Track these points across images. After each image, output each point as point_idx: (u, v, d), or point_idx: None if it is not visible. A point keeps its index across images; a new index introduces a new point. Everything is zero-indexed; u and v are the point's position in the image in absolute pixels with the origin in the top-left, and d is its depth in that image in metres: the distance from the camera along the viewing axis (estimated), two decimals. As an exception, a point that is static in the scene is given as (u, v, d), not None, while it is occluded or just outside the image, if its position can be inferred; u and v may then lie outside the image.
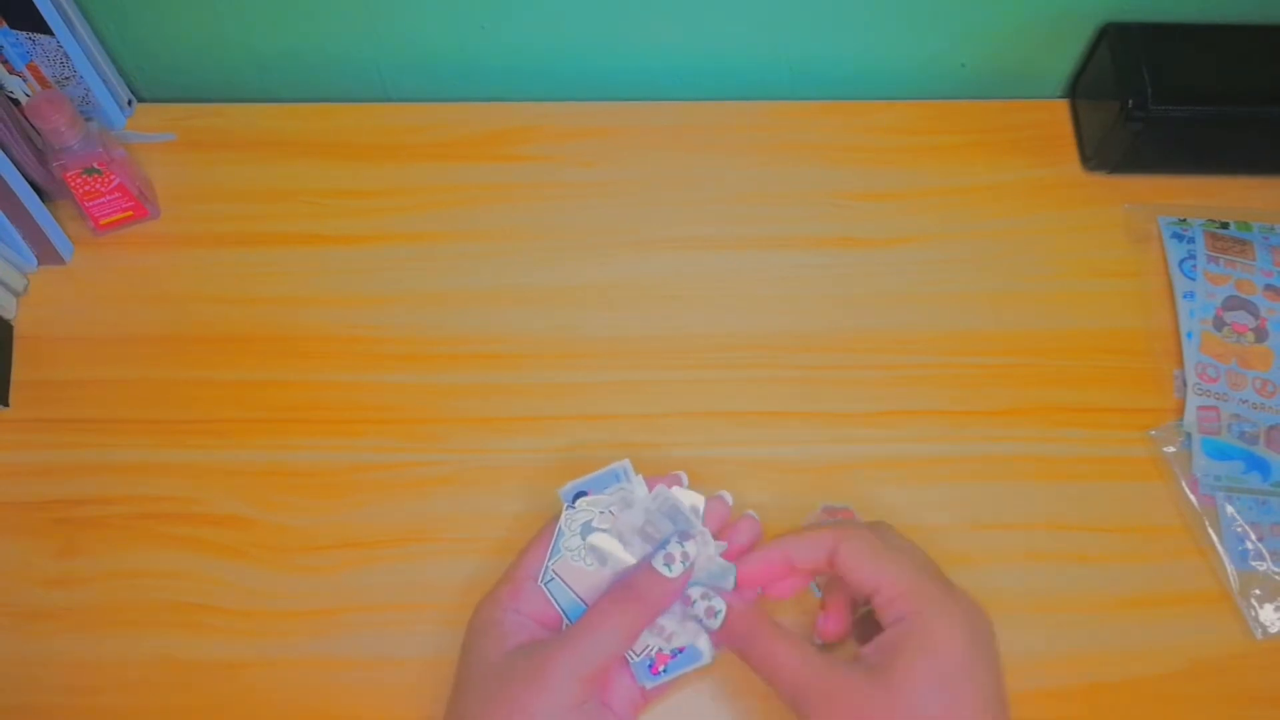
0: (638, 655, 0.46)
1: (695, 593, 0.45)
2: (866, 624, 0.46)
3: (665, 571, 0.45)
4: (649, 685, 0.46)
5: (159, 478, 0.57)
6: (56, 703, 0.51)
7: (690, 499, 0.48)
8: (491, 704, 0.42)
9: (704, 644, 0.46)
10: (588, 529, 0.47)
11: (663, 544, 0.46)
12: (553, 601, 0.46)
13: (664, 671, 0.46)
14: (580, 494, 0.48)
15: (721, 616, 0.45)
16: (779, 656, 0.43)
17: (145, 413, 0.59)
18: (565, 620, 0.46)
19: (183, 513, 0.56)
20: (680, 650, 0.46)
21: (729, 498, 0.48)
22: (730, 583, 0.46)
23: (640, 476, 0.48)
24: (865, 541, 0.44)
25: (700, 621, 0.45)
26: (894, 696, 0.40)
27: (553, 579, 0.46)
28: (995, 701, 0.41)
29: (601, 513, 0.47)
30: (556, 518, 0.48)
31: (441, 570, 0.54)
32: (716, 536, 0.47)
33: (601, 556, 0.47)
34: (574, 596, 0.46)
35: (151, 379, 0.60)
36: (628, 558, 0.47)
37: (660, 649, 0.46)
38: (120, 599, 0.54)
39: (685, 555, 0.45)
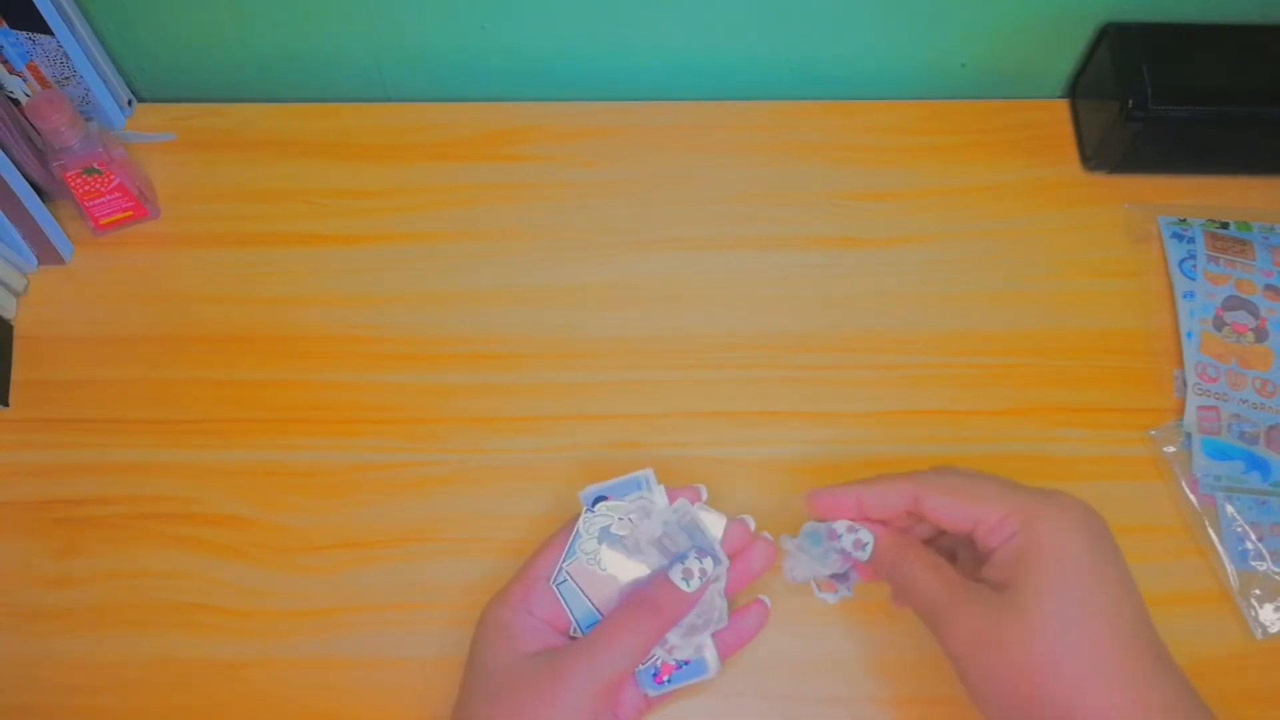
0: (643, 663, 0.46)
1: (841, 526, 0.45)
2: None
3: (683, 586, 0.45)
4: (652, 694, 0.46)
5: (159, 478, 0.57)
6: (56, 703, 0.51)
7: (712, 519, 0.48)
8: (504, 709, 0.42)
9: (710, 657, 0.46)
10: (605, 534, 0.47)
11: (681, 557, 0.45)
12: (562, 603, 0.46)
13: (668, 681, 0.46)
14: (600, 498, 0.48)
15: (870, 549, 0.44)
16: (919, 580, 0.42)
17: (145, 413, 0.59)
18: (573, 622, 0.46)
19: (183, 513, 0.56)
20: (686, 662, 0.46)
21: (752, 522, 0.48)
22: (726, 619, 0.46)
23: (662, 487, 0.48)
24: (948, 481, 0.43)
25: (848, 553, 0.45)
26: (1023, 605, 0.39)
27: (565, 580, 0.46)
28: (1126, 599, 0.39)
29: (620, 519, 0.47)
30: (574, 520, 0.48)
31: (441, 570, 0.54)
32: (732, 558, 0.47)
33: (617, 563, 0.47)
34: (585, 600, 0.46)
35: (151, 379, 0.60)
36: (643, 567, 0.47)
37: (664, 659, 0.46)
38: (120, 599, 0.54)
39: (704, 571, 0.45)
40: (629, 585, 0.47)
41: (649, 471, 0.48)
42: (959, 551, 0.46)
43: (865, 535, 0.45)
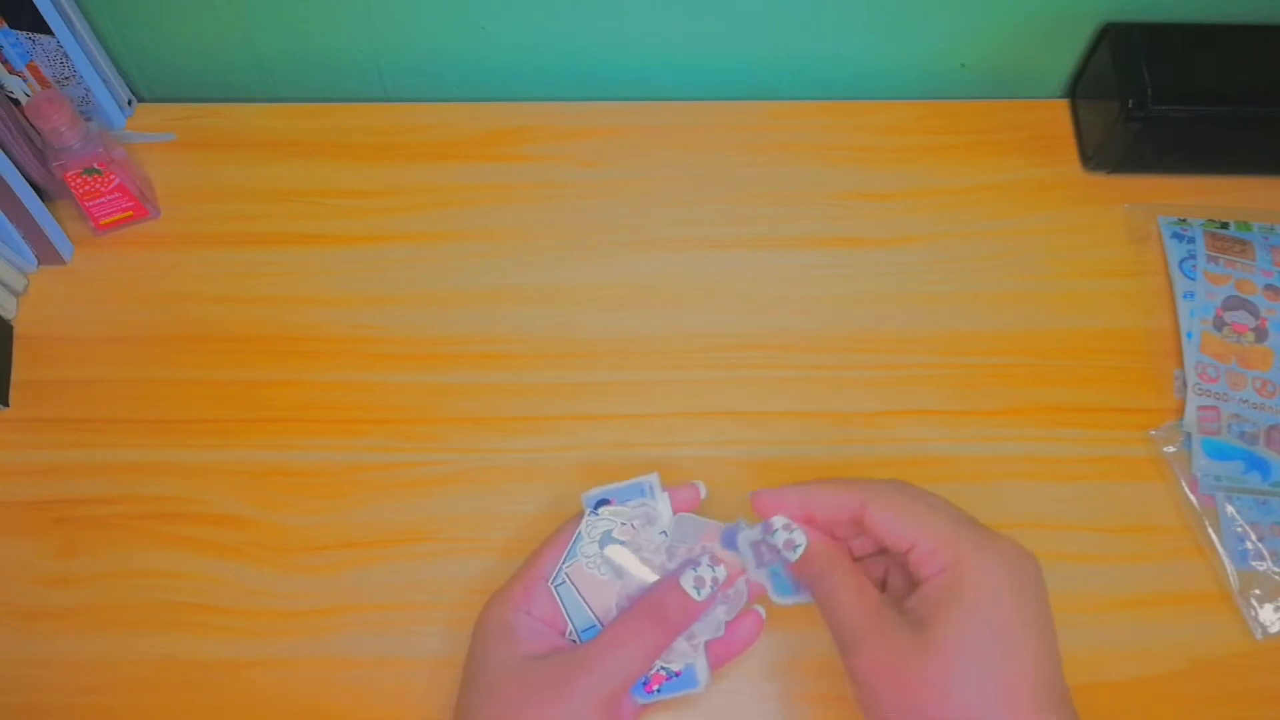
0: None
1: (778, 522, 0.44)
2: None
3: (694, 594, 0.44)
4: (640, 702, 0.46)
5: (159, 478, 0.57)
6: (56, 703, 0.51)
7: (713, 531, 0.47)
8: (509, 709, 0.42)
9: (701, 671, 0.46)
10: (607, 539, 0.47)
11: (693, 564, 0.45)
12: (559, 604, 0.46)
13: (658, 691, 0.46)
14: (603, 501, 0.48)
15: (801, 551, 0.43)
16: (841, 597, 0.42)
17: (145, 413, 0.59)
18: (569, 624, 0.46)
19: (183, 513, 0.56)
20: (678, 674, 0.46)
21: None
22: (722, 629, 0.46)
23: (666, 494, 0.48)
24: (896, 496, 0.42)
25: (778, 552, 0.44)
26: (932, 658, 0.38)
27: (564, 582, 0.46)
28: (1045, 654, 0.39)
29: (623, 524, 0.47)
30: (574, 520, 0.48)
31: (441, 570, 0.54)
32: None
33: (617, 569, 0.47)
34: (581, 603, 0.46)
35: (151, 379, 0.60)
36: (643, 574, 0.47)
37: (659, 669, 0.46)
38: (120, 599, 0.54)
39: (715, 580, 0.45)
40: (627, 591, 0.46)
41: (654, 476, 0.48)
42: (890, 576, 0.45)
43: (800, 536, 0.43)
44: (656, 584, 0.46)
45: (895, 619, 0.40)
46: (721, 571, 0.45)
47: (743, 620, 0.47)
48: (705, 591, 0.44)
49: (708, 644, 0.46)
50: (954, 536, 0.40)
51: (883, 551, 0.44)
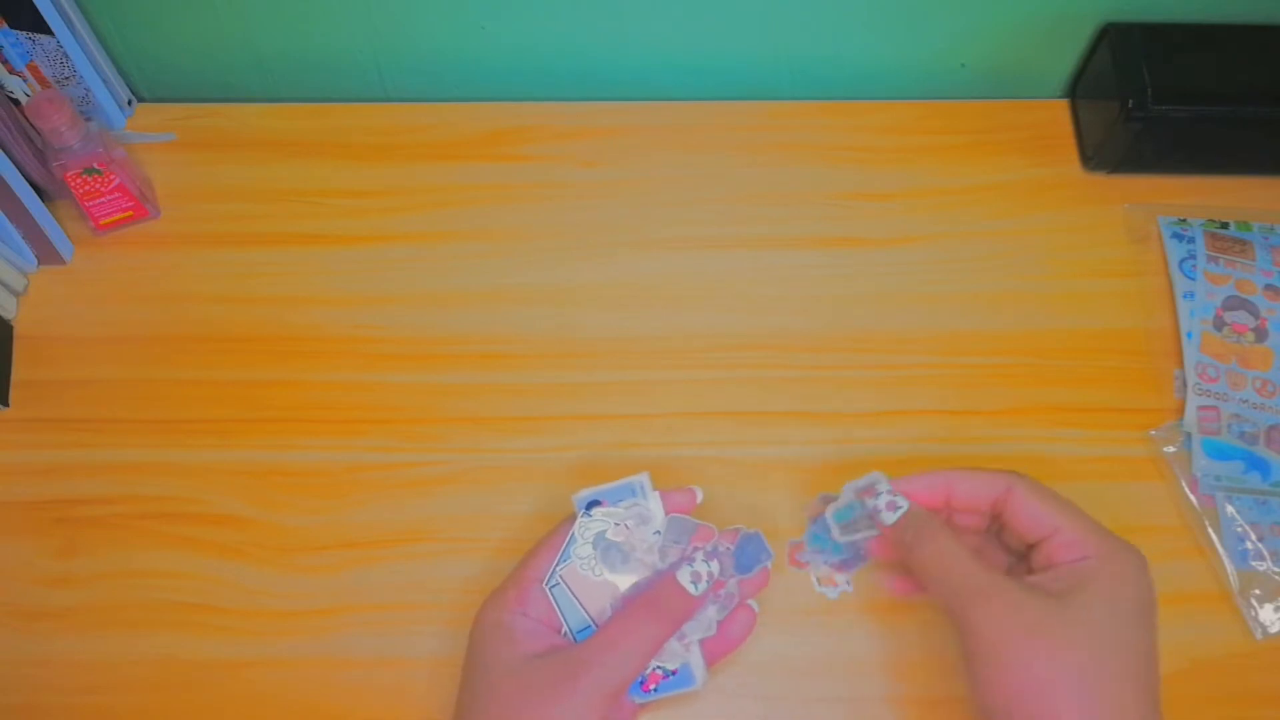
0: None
1: (882, 485, 0.46)
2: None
3: (691, 589, 0.45)
4: (637, 701, 0.46)
5: (159, 478, 0.57)
6: (56, 703, 0.51)
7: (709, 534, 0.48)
8: (511, 709, 0.42)
9: (697, 669, 0.46)
10: (600, 540, 0.47)
11: (688, 560, 0.45)
12: (554, 606, 0.46)
13: (655, 691, 0.46)
14: (594, 503, 0.48)
15: (901, 513, 0.45)
16: (954, 562, 0.43)
17: (145, 413, 0.59)
18: (564, 625, 0.46)
19: (183, 513, 0.56)
20: (674, 672, 0.46)
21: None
22: (714, 628, 0.46)
23: (657, 493, 0.48)
24: (1039, 487, 0.45)
25: (879, 514, 0.45)
26: (1075, 616, 0.40)
27: (558, 584, 0.46)
28: (1155, 659, 0.41)
29: (616, 525, 0.47)
30: (567, 522, 0.48)
31: (441, 570, 0.54)
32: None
33: (612, 569, 0.47)
34: (576, 604, 0.46)
35: (151, 379, 0.60)
36: (637, 574, 0.47)
37: (655, 668, 0.46)
38: (120, 599, 0.54)
39: (711, 575, 0.45)
40: (621, 591, 0.47)
41: (644, 476, 0.48)
42: (988, 553, 0.48)
43: (902, 500, 0.45)
44: (652, 580, 0.46)
45: (1019, 580, 0.43)
46: (715, 566, 0.45)
47: (737, 615, 0.47)
48: (702, 585, 0.45)
49: (702, 641, 0.46)
50: (1098, 532, 0.44)
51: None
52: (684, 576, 0.45)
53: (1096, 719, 0.39)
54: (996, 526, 0.47)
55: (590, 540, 0.47)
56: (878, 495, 0.46)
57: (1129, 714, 0.40)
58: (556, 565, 0.46)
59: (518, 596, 0.46)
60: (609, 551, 0.47)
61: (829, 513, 0.48)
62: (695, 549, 0.47)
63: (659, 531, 0.47)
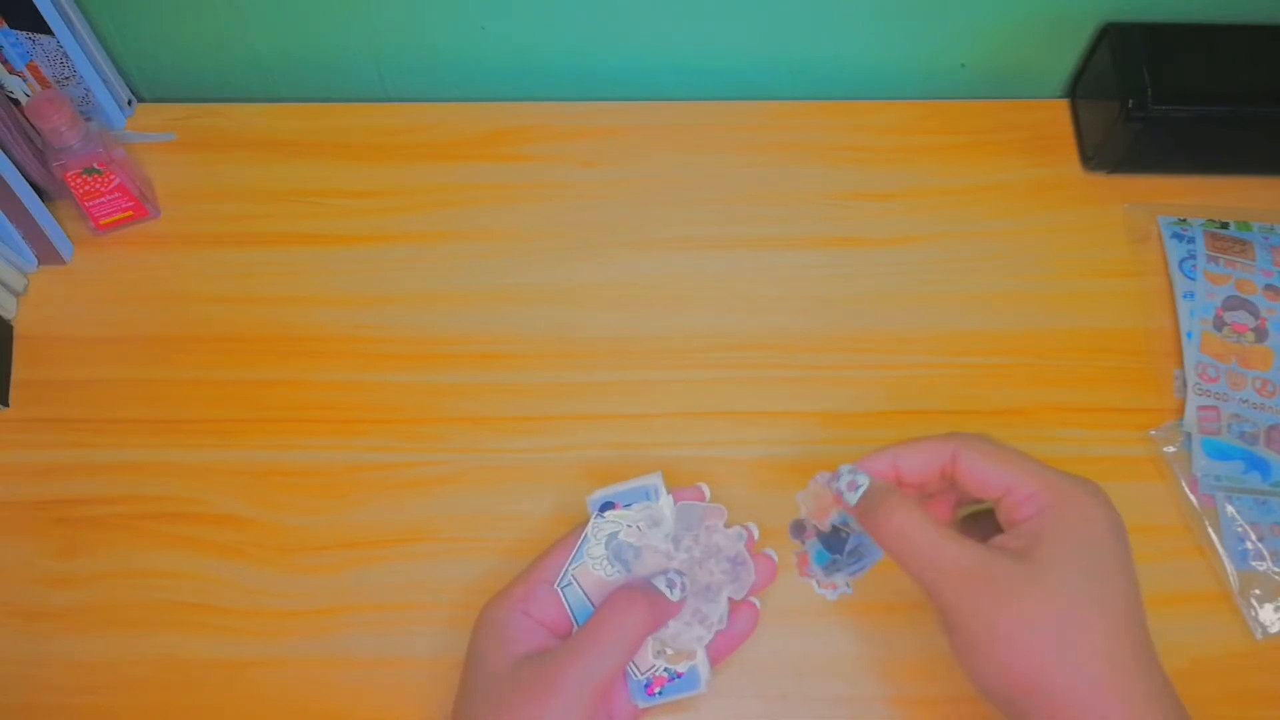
0: (641, 673, 0.46)
1: (844, 468, 0.45)
2: (968, 528, 0.46)
3: (669, 594, 0.45)
4: (641, 704, 0.46)
5: (159, 478, 0.57)
6: (56, 703, 0.51)
7: (727, 537, 0.48)
8: (501, 711, 0.42)
9: (703, 671, 0.46)
10: (613, 541, 0.47)
11: (664, 572, 0.46)
12: (565, 605, 0.46)
13: (659, 694, 0.46)
14: (608, 504, 0.48)
15: (862, 491, 0.44)
16: (915, 535, 0.42)
17: (145, 413, 0.59)
18: (575, 626, 0.46)
19: (183, 513, 0.56)
20: (679, 675, 0.46)
21: (755, 530, 0.48)
22: (725, 621, 0.47)
23: (670, 495, 0.48)
24: (987, 445, 0.43)
25: (842, 494, 0.45)
26: (1042, 575, 0.39)
27: (570, 584, 0.46)
28: (1134, 588, 0.41)
29: (629, 526, 0.47)
30: (580, 525, 0.48)
31: (441, 570, 0.54)
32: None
33: (625, 569, 0.47)
34: (588, 605, 0.46)
35: (151, 379, 0.60)
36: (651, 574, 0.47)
37: (659, 671, 0.46)
38: (120, 599, 0.54)
39: (684, 585, 0.46)
40: None
41: (657, 477, 0.48)
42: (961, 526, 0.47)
43: (861, 478, 0.44)
44: (629, 580, 0.46)
45: (987, 548, 0.41)
46: (686, 580, 0.46)
47: (740, 612, 0.47)
48: (677, 593, 0.45)
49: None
50: (1053, 481, 0.42)
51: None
52: (660, 582, 0.45)
53: (1091, 678, 0.38)
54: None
55: (603, 541, 0.47)
56: (839, 477, 0.45)
57: (1121, 655, 0.39)
58: (569, 566, 0.47)
59: (522, 595, 0.46)
60: (621, 552, 0.47)
61: (802, 502, 0.48)
62: (708, 529, 0.47)
63: (673, 532, 0.48)
